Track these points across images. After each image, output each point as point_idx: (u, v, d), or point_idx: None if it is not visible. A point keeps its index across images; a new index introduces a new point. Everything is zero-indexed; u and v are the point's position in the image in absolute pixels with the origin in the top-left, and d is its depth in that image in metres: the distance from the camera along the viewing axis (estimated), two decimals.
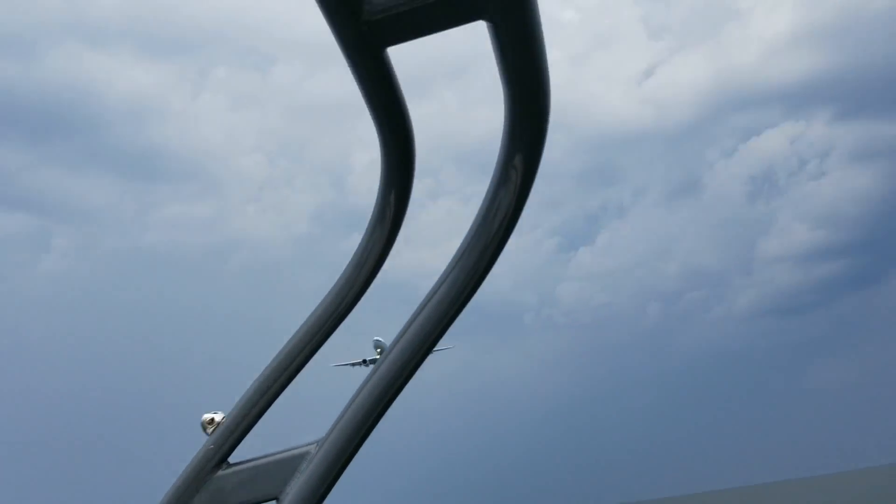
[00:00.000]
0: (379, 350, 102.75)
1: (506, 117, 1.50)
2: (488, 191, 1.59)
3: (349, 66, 1.42)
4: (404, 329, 1.68)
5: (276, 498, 1.77)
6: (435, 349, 1.66)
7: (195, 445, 1.86)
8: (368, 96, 1.51)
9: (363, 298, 1.94)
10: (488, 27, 1.29)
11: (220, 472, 1.86)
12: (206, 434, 1.89)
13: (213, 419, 1.90)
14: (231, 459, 1.89)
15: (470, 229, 1.63)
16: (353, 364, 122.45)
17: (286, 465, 1.80)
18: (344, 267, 1.93)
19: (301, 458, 1.78)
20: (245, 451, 1.89)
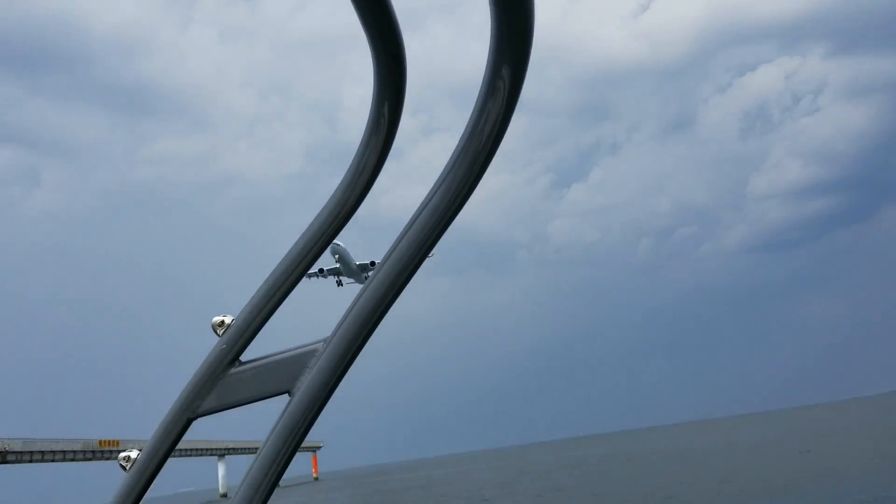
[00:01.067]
0: (337, 256, 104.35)
1: (492, 29, 1.54)
2: (477, 102, 1.66)
3: None
4: (402, 234, 1.76)
5: (287, 392, 1.88)
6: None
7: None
8: (356, 2, 1.57)
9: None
10: None
11: (233, 370, 1.97)
12: (217, 335, 1.99)
13: (223, 321, 1.99)
14: (242, 358, 2.00)
15: (460, 139, 1.71)
16: (309, 275, 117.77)
17: (296, 362, 1.89)
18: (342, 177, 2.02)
19: (310, 354, 1.88)
20: (255, 351, 2.00)
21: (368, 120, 1.88)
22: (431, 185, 1.78)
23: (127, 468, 1.99)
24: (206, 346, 1.99)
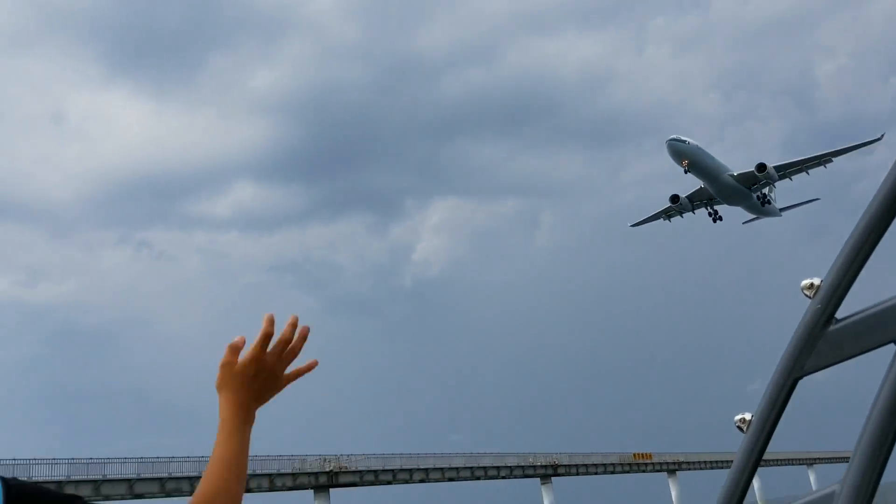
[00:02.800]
0: (686, 161, 70.68)
1: None
2: None
3: None
4: None
5: (893, 341, 1.81)
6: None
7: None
8: None
9: None
10: None
11: (832, 328, 1.96)
12: (808, 297, 1.98)
13: (811, 283, 1.98)
14: (838, 315, 1.96)
15: None
16: (654, 216, 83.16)
17: None
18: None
19: None
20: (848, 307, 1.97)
21: None
22: None
23: (744, 430, 2.10)
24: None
